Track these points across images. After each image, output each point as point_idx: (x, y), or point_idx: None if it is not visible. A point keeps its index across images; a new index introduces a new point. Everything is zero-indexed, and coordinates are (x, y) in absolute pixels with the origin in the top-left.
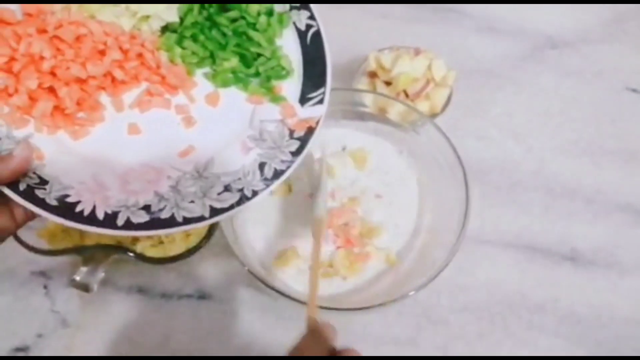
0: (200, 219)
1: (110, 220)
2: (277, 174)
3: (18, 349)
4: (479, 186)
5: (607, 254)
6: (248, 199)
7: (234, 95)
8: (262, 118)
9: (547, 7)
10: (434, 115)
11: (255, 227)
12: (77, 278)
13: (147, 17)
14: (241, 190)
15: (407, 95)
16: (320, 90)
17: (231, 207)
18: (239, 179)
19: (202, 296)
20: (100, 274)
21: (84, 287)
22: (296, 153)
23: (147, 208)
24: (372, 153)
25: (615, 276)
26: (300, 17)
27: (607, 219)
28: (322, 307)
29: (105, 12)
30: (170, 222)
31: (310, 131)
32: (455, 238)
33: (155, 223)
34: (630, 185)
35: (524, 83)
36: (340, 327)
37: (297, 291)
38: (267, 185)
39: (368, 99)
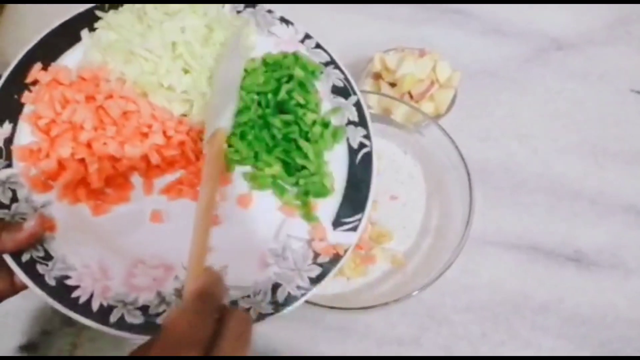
0: None
1: (103, 314)
2: (289, 300)
3: (24, 347)
4: (483, 187)
5: (610, 255)
6: (252, 322)
7: (266, 202)
8: (290, 233)
9: (552, 9)
10: (438, 117)
11: None
12: None
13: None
14: (247, 310)
15: (411, 96)
16: (357, 217)
17: None
18: (248, 296)
19: None
20: None
21: None
22: (315, 281)
23: (144, 309)
24: (379, 153)
25: (619, 277)
26: (356, 135)
27: (611, 220)
28: (327, 307)
29: (158, 94)
30: None
31: (336, 258)
32: (459, 239)
33: (149, 327)
34: (634, 187)
35: (529, 85)
36: (344, 326)
37: None
38: (275, 311)
39: (372, 100)
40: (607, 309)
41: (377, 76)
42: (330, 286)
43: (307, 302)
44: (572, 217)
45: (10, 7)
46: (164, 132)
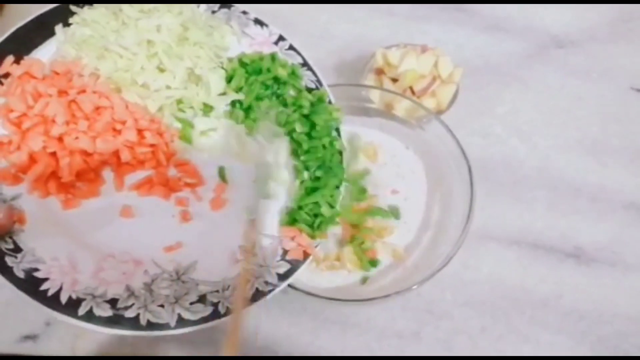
0: (164, 326)
1: (71, 307)
2: (257, 295)
3: (27, 337)
4: (483, 183)
5: (610, 251)
6: (220, 315)
7: (238, 201)
8: (259, 230)
9: (554, 6)
10: (440, 112)
11: None
12: None
13: (179, 101)
14: (216, 304)
15: (413, 92)
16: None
17: (199, 321)
18: (217, 291)
19: None
20: None
21: None
22: (283, 277)
23: (113, 302)
24: (381, 147)
25: (619, 274)
26: None
27: (611, 216)
28: (327, 298)
29: (131, 91)
30: (132, 324)
31: (305, 257)
32: (459, 234)
33: (117, 320)
34: (634, 184)
35: (530, 81)
36: (344, 319)
37: (304, 283)
38: (244, 306)
39: (375, 95)
40: (606, 305)
41: (380, 71)
42: (331, 279)
43: (307, 294)
44: (572, 214)
45: (11, 6)
46: (138, 130)
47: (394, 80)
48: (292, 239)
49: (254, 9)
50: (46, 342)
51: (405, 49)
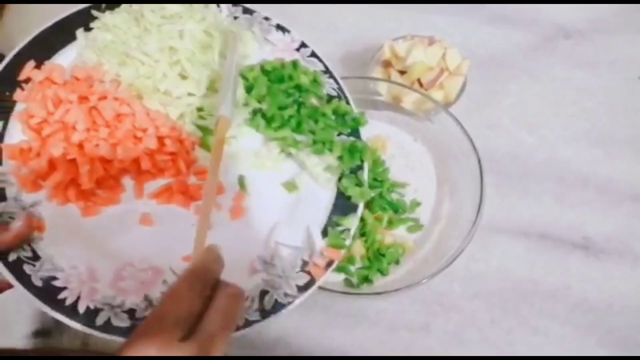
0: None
1: (89, 316)
2: (276, 307)
3: (39, 333)
4: (491, 175)
5: (619, 242)
6: (238, 328)
7: (258, 210)
8: (279, 240)
9: None
10: (447, 104)
11: None
12: None
13: (200, 109)
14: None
15: (421, 84)
16: (346, 226)
17: None
18: None
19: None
20: None
21: None
22: (303, 288)
23: (131, 312)
24: (389, 140)
25: (627, 265)
26: None
27: (619, 208)
28: (336, 292)
29: (153, 98)
30: None
31: (326, 266)
32: (469, 226)
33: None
34: None
35: (537, 73)
36: (354, 312)
37: None
38: (262, 318)
39: (382, 88)
40: (614, 296)
41: (387, 64)
42: (341, 273)
43: (318, 287)
44: (581, 205)
45: (12, 6)
46: (158, 138)
47: (402, 72)
48: (311, 247)
49: (259, 3)
50: (58, 338)
51: (412, 41)
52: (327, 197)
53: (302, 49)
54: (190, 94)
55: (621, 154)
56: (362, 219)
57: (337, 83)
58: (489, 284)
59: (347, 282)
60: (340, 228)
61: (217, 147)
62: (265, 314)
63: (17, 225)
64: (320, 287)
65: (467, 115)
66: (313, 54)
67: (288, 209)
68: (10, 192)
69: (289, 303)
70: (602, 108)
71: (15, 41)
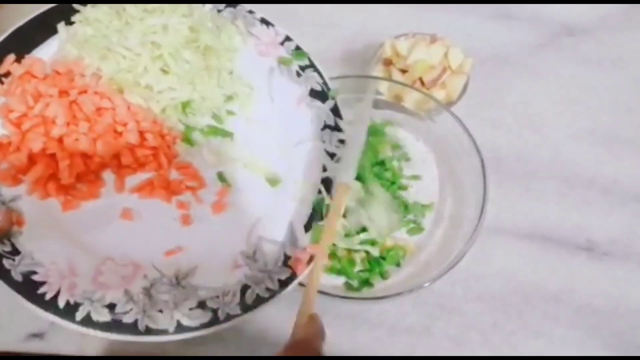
0: (162, 332)
1: (69, 311)
2: (258, 301)
3: (34, 335)
4: (494, 175)
5: (623, 244)
6: (219, 322)
7: (240, 204)
8: (262, 235)
9: None
10: (450, 104)
11: None
12: None
13: (188, 104)
14: (215, 311)
15: (423, 83)
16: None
17: (198, 327)
18: (217, 297)
19: None
20: None
21: None
22: (284, 283)
23: (111, 307)
24: (390, 139)
25: (632, 267)
26: (332, 139)
27: (624, 209)
28: (338, 296)
29: (134, 92)
30: (131, 329)
31: (308, 262)
32: (472, 228)
33: (115, 325)
34: None
35: (541, 71)
36: (355, 315)
37: None
38: (244, 312)
39: (383, 87)
40: (618, 299)
41: (388, 62)
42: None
43: (317, 291)
44: (585, 206)
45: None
46: (139, 132)
47: (403, 71)
48: (293, 243)
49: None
50: (53, 340)
51: (414, 39)
52: (310, 192)
53: (287, 43)
54: (171, 89)
55: (626, 154)
56: None
57: (322, 78)
58: (491, 286)
59: (348, 286)
60: (322, 223)
61: (336, 211)
62: (246, 308)
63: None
64: (320, 291)
65: (470, 114)
66: (297, 48)
67: (271, 204)
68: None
69: (271, 297)
70: (607, 107)
71: None
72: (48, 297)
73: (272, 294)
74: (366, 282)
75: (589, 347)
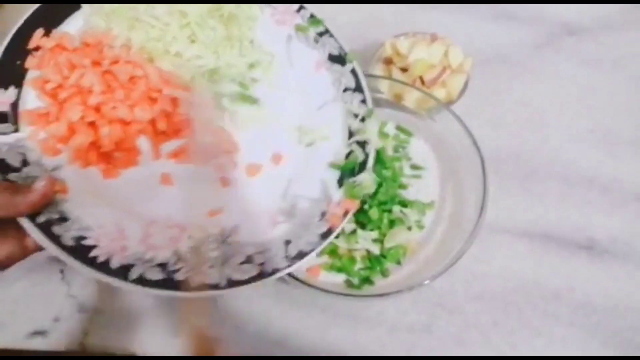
0: (215, 287)
1: (123, 272)
2: (301, 254)
3: (36, 333)
4: (494, 174)
5: (623, 243)
6: (267, 275)
7: (273, 167)
8: (297, 193)
9: None
10: (450, 103)
11: None
12: None
13: (216, 71)
14: (262, 264)
15: (423, 82)
16: (359, 176)
17: (248, 280)
18: (262, 252)
19: None
20: None
21: None
22: (324, 236)
23: (163, 266)
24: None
25: (632, 266)
26: (354, 99)
27: (624, 208)
28: (338, 294)
29: (165, 60)
30: (184, 285)
31: (343, 215)
32: (472, 227)
33: (169, 283)
34: None
35: (541, 71)
36: (355, 313)
37: (314, 278)
38: (289, 265)
39: (383, 86)
40: (619, 298)
41: (388, 61)
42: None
43: (318, 289)
44: (585, 205)
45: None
46: (172, 99)
47: (404, 70)
48: (328, 198)
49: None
50: (55, 338)
51: (414, 38)
52: (338, 150)
53: (302, 11)
54: (198, 57)
55: (626, 154)
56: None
57: (338, 43)
58: (491, 285)
59: (348, 283)
60: (354, 179)
61: None
62: (290, 261)
63: (40, 185)
64: (320, 289)
65: (470, 113)
66: (312, 16)
67: (303, 164)
68: (31, 156)
69: (312, 250)
70: (607, 107)
71: None
72: (100, 259)
73: (313, 246)
74: (367, 280)
75: (589, 346)
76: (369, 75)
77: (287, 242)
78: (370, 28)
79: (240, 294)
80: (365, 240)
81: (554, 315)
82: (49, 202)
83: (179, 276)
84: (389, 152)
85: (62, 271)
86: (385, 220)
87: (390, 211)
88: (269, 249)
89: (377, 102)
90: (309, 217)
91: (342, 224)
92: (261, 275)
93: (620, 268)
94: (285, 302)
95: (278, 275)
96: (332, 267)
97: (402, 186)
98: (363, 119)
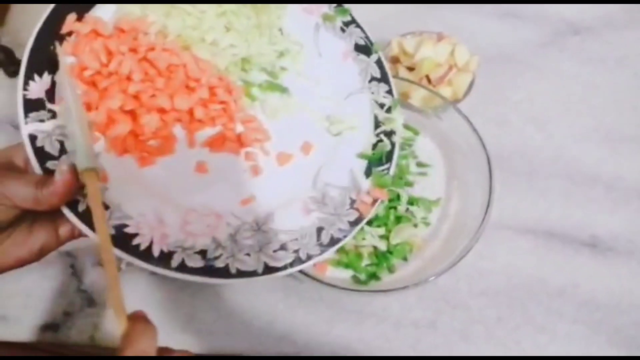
0: (253, 273)
1: (164, 259)
2: (334, 241)
3: (47, 327)
4: (499, 172)
5: (626, 240)
6: (302, 262)
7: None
8: (327, 182)
9: None
10: (456, 101)
11: None
12: None
13: (247, 60)
14: (297, 251)
15: (429, 80)
16: (386, 165)
17: (284, 267)
18: (296, 239)
19: None
20: None
21: None
22: (354, 223)
23: (203, 253)
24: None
25: (635, 263)
26: (379, 90)
27: (627, 206)
28: (343, 289)
29: (201, 48)
30: (223, 272)
31: (372, 203)
32: (477, 224)
33: (209, 270)
34: None
35: (545, 69)
36: (360, 308)
37: (321, 273)
38: (322, 252)
39: None
40: (622, 294)
41: (395, 60)
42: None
43: (324, 284)
44: (588, 203)
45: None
46: (210, 87)
47: (410, 68)
48: (357, 187)
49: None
50: (66, 332)
51: (421, 37)
52: (366, 140)
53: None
54: (232, 46)
55: (630, 151)
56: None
57: (364, 33)
58: (495, 281)
59: (355, 279)
60: (380, 169)
61: (94, 205)
62: (323, 247)
63: (57, 174)
64: (328, 284)
65: (475, 111)
66: (339, 5)
67: (331, 153)
68: (69, 144)
69: (344, 237)
70: (611, 105)
71: (22, 36)
72: (142, 247)
73: (345, 233)
74: (373, 276)
75: (592, 342)
76: None
77: (320, 230)
78: (376, 27)
79: (246, 289)
80: (372, 237)
81: (558, 312)
82: (74, 190)
83: (218, 263)
84: None
85: (72, 266)
86: (391, 217)
87: (396, 208)
88: (303, 236)
89: None
90: (339, 205)
91: (372, 212)
92: (296, 262)
93: (623, 265)
94: (292, 297)
95: (313, 261)
96: (339, 263)
97: (409, 183)
98: (389, 110)
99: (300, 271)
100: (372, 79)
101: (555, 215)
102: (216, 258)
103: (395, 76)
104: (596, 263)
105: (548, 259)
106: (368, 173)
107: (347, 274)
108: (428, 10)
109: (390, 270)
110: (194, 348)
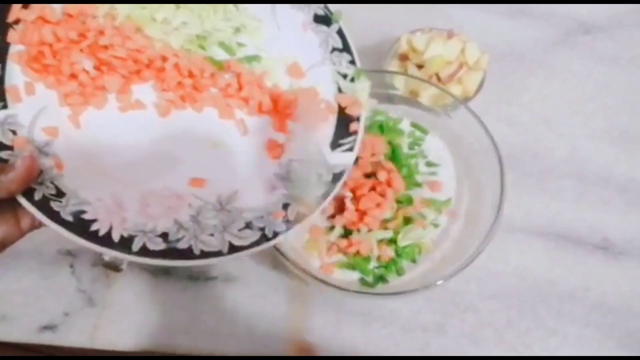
0: (218, 254)
1: (125, 244)
2: (300, 217)
3: (46, 327)
4: (510, 172)
5: (639, 243)
6: (268, 239)
7: (261, 128)
8: (291, 157)
9: None
10: (466, 100)
11: None
12: (107, 258)
13: (203, 37)
14: (262, 229)
15: (439, 78)
16: (352, 137)
17: (250, 245)
18: (262, 217)
19: (227, 279)
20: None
21: (114, 267)
22: (321, 198)
23: (164, 236)
24: (406, 135)
25: None
26: (341, 60)
27: None
28: (352, 291)
29: (153, 27)
30: (187, 254)
31: (337, 177)
32: (488, 226)
33: (172, 253)
34: None
35: (557, 68)
36: (368, 311)
37: (328, 275)
38: (289, 228)
39: (399, 82)
40: (634, 298)
41: (404, 57)
42: (357, 271)
43: (332, 286)
44: (601, 205)
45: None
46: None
47: (419, 66)
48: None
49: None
50: (65, 333)
51: (430, 34)
52: (330, 111)
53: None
54: (184, 23)
55: None
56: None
57: (324, 2)
58: (506, 284)
59: (363, 281)
60: (346, 141)
61: None
62: (290, 224)
63: (20, 161)
64: (336, 287)
65: (485, 111)
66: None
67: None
68: (21, 133)
69: (311, 212)
70: (623, 105)
71: None
72: (102, 233)
73: (312, 208)
74: (381, 278)
75: (603, 346)
76: (384, 72)
77: (286, 206)
78: (384, 23)
79: (252, 291)
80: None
81: (569, 315)
82: (34, 176)
83: (181, 245)
84: (405, 149)
85: (72, 265)
86: (400, 218)
87: (405, 209)
88: (269, 213)
89: (392, 99)
90: (305, 180)
91: (338, 188)
92: (262, 240)
93: (635, 268)
94: (297, 299)
95: (280, 238)
96: (346, 265)
97: (418, 184)
98: (352, 79)
99: (309, 274)
100: (334, 49)
101: (567, 217)
102: (178, 240)
103: (405, 74)
104: (608, 266)
105: (559, 261)
106: (333, 146)
107: (354, 276)
108: (438, 8)
109: (399, 272)
110: (198, 349)
